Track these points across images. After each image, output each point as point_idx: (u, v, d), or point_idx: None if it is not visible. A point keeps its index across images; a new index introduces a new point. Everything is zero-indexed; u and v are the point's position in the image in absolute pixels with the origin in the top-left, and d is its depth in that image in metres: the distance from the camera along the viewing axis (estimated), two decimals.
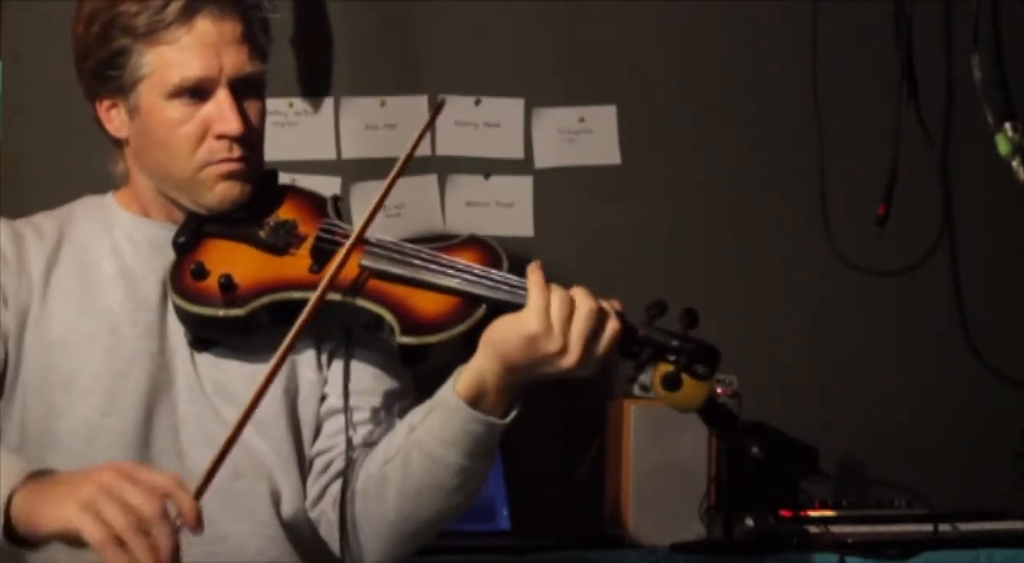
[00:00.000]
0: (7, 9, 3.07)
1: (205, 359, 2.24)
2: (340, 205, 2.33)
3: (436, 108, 2.39)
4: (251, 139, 2.23)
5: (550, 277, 2.13)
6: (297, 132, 3.24)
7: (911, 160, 3.40)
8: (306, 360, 2.27)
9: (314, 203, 2.31)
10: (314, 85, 3.25)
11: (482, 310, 2.15)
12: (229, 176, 2.22)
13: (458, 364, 2.15)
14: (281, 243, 2.24)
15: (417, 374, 2.29)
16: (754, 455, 3.02)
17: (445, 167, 3.32)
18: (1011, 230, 3.48)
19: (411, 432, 2.16)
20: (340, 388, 2.25)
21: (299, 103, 3.25)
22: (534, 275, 2.12)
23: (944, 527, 3.01)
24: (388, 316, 2.16)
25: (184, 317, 2.21)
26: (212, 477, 1.91)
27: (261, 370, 2.11)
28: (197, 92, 2.20)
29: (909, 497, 3.13)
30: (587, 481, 3.18)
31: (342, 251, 2.16)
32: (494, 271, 2.18)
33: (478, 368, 2.11)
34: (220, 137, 2.21)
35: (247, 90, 2.23)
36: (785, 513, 3.04)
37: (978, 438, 3.43)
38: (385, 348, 2.22)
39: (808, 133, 3.42)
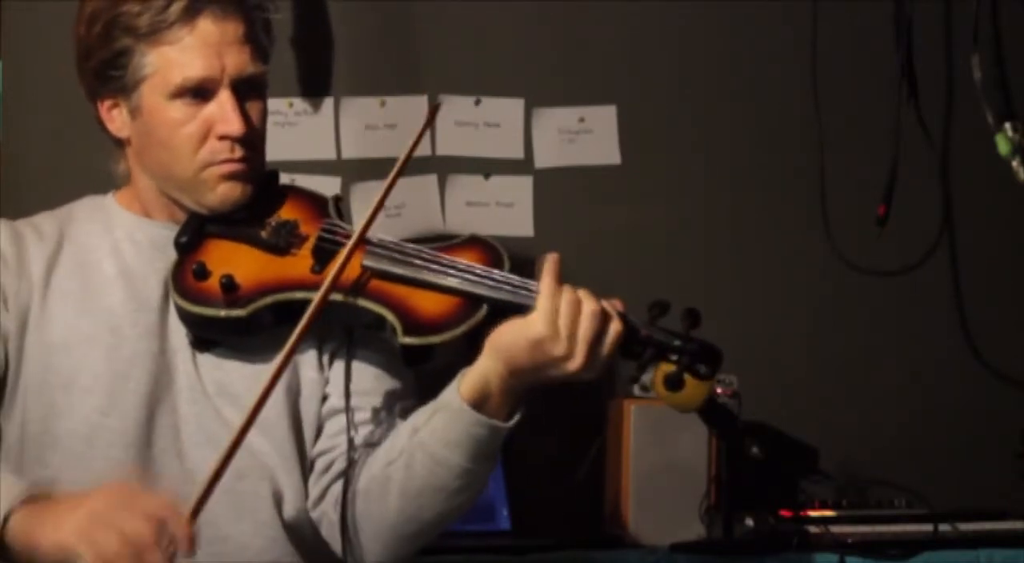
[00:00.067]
0: (7, 9, 3.07)
1: (206, 359, 2.24)
2: (341, 205, 2.33)
3: (432, 110, 2.39)
4: (253, 140, 2.23)
5: None
6: (297, 132, 3.24)
7: (911, 160, 3.40)
8: (308, 360, 2.27)
9: (315, 203, 2.31)
10: (314, 85, 3.25)
11: (484, 310, 2.15)
12: (231, 177, 2.22)
13: (460, 365, 2.15)
14: (283, 243, 2.24)
15: (420, 374, 2.29)
16: (754, 455, 3.02)
17: (445, 167, 3.32)
18: (1011, 230, 3.48)
19: (414, 433, 2.16)
20: (341, 388, 2.25)
21: (299, 103, 3.25)
22: (547, 277, 2.11)
23: (944, 527, 3.01)
24: (390, 316, 2.16)
25: (186, 317, 2.21)
26: (207, 497, 1.92)
27: (263, 370, 2.12)
28: (199, 92, 2.20)
29: (909, 497, 3.14)
30: (587, 481, 3.18)
31: (344, 251, 2.16)
32: (496, 271, 2.18)
33: (483, 371, 2.11)
34: (222, 138, 2.20)
35: (249, 91, 2.23)
36: (785, 513, 3.04)
37: (978, 438, 3.43)
38: (387, 348, 2.22)
39: (808, 133, 3.43)
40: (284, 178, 2.38)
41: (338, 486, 2.22)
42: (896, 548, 2.97)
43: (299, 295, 2.17)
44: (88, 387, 2.19)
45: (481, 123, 3.33)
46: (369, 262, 2.19)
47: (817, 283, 3.44)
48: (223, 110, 2.20)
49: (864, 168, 3.42)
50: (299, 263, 2.22)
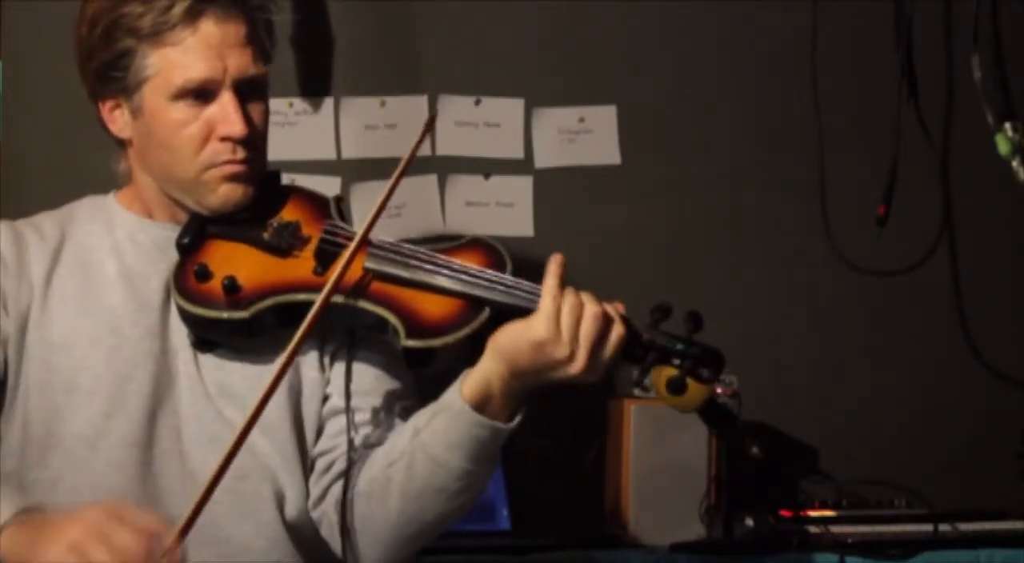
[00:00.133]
0: (7, 9, 3.07)
1: (208, 360, 2.24)
2: (343, 206, 2.33)
3: (428, 123, 2.37)
4: (255, 141, 2.23)
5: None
6: (297, 132, 3.24)
7: (911, 160, 3.41)
8: (309, 360, 2.27)
9: (317, 204, 2.31)
10: (314, 85, 3.25)
11: (486, 313, 2.15)
12: (233, 178, 2.22)
13: (462, 366, 2.15)
14: (285, 245, 2.24)
15: (421, 376, 2.29)
16: (754, 455, 3.03)
17: (445, 167, 3.31)
18: (1011, 230, 3.48)
19: (416, 435, 2.16)
20: (342, 389, 2.25)
21: (299, 103, 3.25)
22: (551, 279, 2.11)
23: (944, 527, 3.02)
24: (392, 319, 2.15)
25: (188, 319, 2.21)
26: (199, 514, 1.93)
27: (264, 371, 2.13)
28: (201, 94, 2.20)
29: (909, 497, 3.14)
30: (587, 481, 3.18)
31: (346, 253, 2.16)
32: (498, 273, 2.18)
33: (484, 372, 2.11)
34: (224, 139, 2.20)
35: (251, 92, 2.22)
36: (785, 513, 3.05)
37: (978, 438, 3.43)
38: (388, 348, 2.22)
39: (808, 133, 3.42)
40: (284, 178, 2.38)
41: (338, 487, 2.22)
42: (896, 548, 2.97)
43: (301, 297, 2.17)
44: (90, 389, 2.19)
45: (481, 123, 3.33)
46: (371, 264, 2.19)
47: (817, 283, 3.44)
48: (225, 112, 2.19)
49: (864, 168, 3.42)
50: (301, 265, 2.22)
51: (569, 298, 2.09)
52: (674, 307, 2.16)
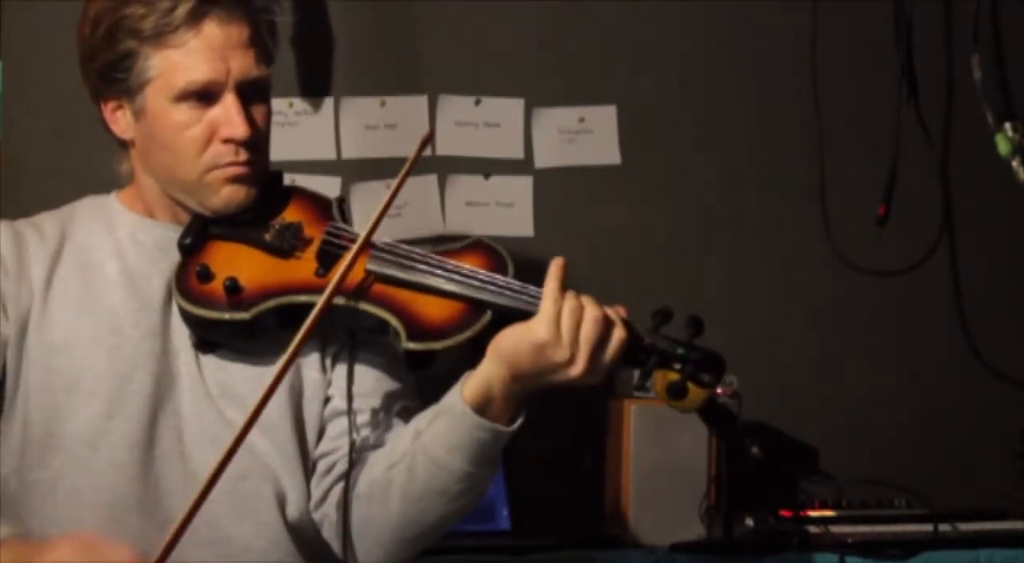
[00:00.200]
0: (7, 9, 3.07)
1: (209, 361, 2.24)
2: (345, 207, 2.33)
3: (424, 139, 2.35)
4: (257, 142, 2.23)
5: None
6: (297, 132, 3.24)
7: (911, 160, 3.41)
8: (310, 361, 2.27)
9: (319, 205, 2.31)
10: (314, 85, 3.25)
11: (488, 316, 2.14)
12: (235, 180, 2.22)
13: (463, 369, 2.14)
14: (286, 246, 2.23)
15: (421, 378, 2.29)
16: (754, 455, 3.03)
17: (445, 167, 3.31)
18: (1011, 230, 3.48)
19: (417, 437, 2.16)
20: (344, 391, 2.25)
21: (299, 103, 3.25)
22: (551, 282, 2.11)
23: (944, 527, 3.02)
24: (394, 321, 2.15)
25: (189, 320, 2.21)
26: (176, 542, 1.92)
27: (265, 372, 2.13)
28: (204, 96, 2.19)
29: (909, 497, 3.14)
30: (587, 481, 3.18)
31: (348, 255, 2.16)
32: (500, 276, 2.18)
33: (485, 375, 2.11)
34: (227, 141, 2.20)
35: (253, 94, 2.22)
36: (785, 513, 3.05)
37: (978, 438, 3.43)
38: (389, 351, 2.22)
39: (808, 133, 3.43)
40: (284, 178, 2.38)
41: (340, 488, 2.22)
42: (896, 548, 2.97)
43: (303, 298, 2.17)
44: (91, 390, 2.19)
45: (481, 123, 3.33)
46: (373, 266, 2.19)
47: (817, 283, 3.44)
48: (228, 114, 2.19)
49: (864, 168, 3.42)
50: (303, 266, 2.22)
51: (569, 301, 2.09)
52: (674, 309, 2.16)
